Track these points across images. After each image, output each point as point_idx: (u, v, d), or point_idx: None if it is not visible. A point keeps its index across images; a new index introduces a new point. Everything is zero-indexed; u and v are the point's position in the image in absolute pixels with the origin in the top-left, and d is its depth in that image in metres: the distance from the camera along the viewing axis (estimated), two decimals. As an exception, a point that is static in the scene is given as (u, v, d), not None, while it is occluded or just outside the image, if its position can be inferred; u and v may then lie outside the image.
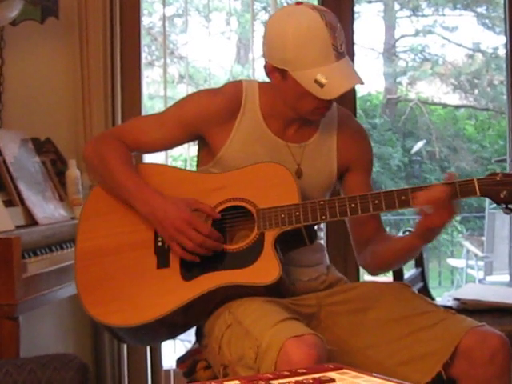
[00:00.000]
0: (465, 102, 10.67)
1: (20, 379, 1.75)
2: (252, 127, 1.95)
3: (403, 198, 1.79)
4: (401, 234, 2.69)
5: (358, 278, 3.15)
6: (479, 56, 10.49)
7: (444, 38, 10.37)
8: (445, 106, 10.60)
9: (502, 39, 4.63)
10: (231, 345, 1.74)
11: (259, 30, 9.05)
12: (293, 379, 1.18)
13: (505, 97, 3.94)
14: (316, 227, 1.95)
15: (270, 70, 1.88)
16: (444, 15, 10.37)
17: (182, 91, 7.93)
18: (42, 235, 2.42)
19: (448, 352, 1.75)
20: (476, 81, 10.46)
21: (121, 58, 3.03)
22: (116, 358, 3.07)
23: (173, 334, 2.02)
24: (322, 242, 2.18)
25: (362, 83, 1.83)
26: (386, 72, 10.59)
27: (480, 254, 7.31)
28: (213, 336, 1.83)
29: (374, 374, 1.20)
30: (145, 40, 3.88)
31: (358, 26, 9.59)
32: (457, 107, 10.66)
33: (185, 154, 4.92)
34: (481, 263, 7.34)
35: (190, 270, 1.84)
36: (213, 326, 1.84)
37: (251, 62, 3.76)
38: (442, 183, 1.78)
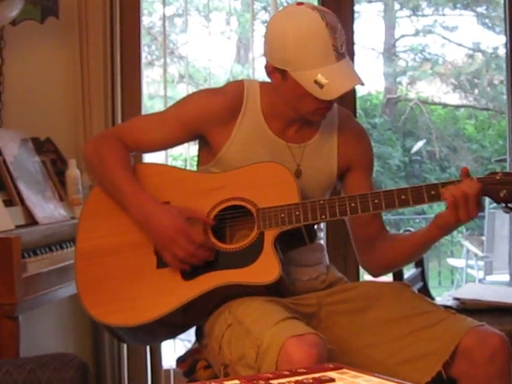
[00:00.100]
0: (465, 102, 10.67)
1: (20, 379, 1.75)
2: (253, 127, 1.95)
3: (403, 197, 1.79)
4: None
5: (357, 278, 3.15)
6: (479, 56, 10.49)
7: (444, 37, 10.37)
8: (445, 105, 10.60)
9: (502, 39, 4.63)
10: (232, 344, 1.74)
11: (259, 30, 9.07)
12: (292, 379, 1.18)
13: (505, 96, 3.94)
14: (316, 227, 1.95)
15: (270, 70, 1.88)
16: (444, 15, 10.37)
17: (182, 91, 7.93)
18: (42, 235, 2.43)
19: (448, 352, 1.75)
20: (476, 80, 10.46)
21: (121, 57, 3.03)
22: (116, 357, 3.07)
23: (173, 334, 2.02)
24: (322, 241, 2.17)
25: (362, 84, 1.83)
26: (386, 72, 10.59)
27: (480, 253, 7.30)
28: (213, 336, 1.83)
29: (374, 374, 1.20)
30: (145, 40, 3.88)
31: (357, 25, 9.57)
32: (457, 107, 10.66)
33: (185, 154, 4.92)
34: (481, 263, 7.33)
35: (190, 270, 1.84)
36: (213, 326, 1.84)
37: (251, 62, 3.76)
38: (474, 178, 1.77)
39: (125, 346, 3.04)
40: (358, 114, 3.74)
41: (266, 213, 1.84)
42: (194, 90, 2.08)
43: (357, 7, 8.29)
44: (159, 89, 7.32)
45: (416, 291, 2.07)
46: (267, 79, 1.94)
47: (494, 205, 2.09)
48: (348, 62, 1.84)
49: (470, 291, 2.76)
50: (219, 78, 8.27)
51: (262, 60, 1.91)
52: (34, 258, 2.29)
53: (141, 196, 1.86)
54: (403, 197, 1.79)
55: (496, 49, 10.02)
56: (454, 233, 8.92)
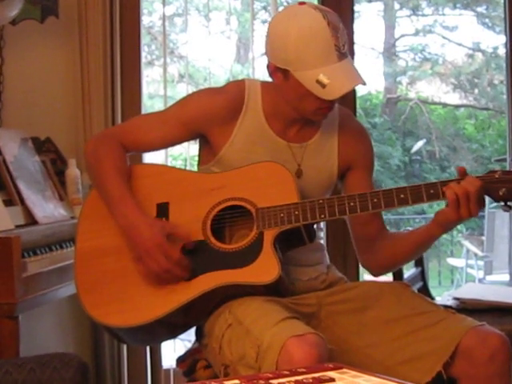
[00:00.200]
0: (465, 102, 10.67)
1: (20, 378, 1.75)
2: (254, 127, 1.95)
3: (402, 196, 1.79)
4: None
5: (357, 278, 3.15)
6: (479, 55, 10.49)
7: (444, 37, 10.37)
8: (445, 105, 10.61)
9: (502, 39, 4.63)
10: (232, 344, 1.74)
11: (259, 30, 9.07)
12: (292, 378, 1.18)
13: (505, 96, 3.94)
14: (315, 226, 1.95)
15: (272, 69, 1.88)
16: (444, 15, 10.37)
17: (181, 90, 7.93)
18: (42, 234, 2.42)
19: (448, 351, 1.74)
20: (476, 80, 10.46)
21: (121, 57, 3.03)
22: (116, 357, 3.06)
23: (173, 334, 2.02)
24: (322, 241, 2.17)
25: (364, 84, 1.83)
26: (386, 71, 10.59)
27: (480, 253, 7.30)
28: (213, 336, 1.83)
29: (374, 374, 1.20)
30: (145, 39, 3.88)
31: (357, 25, 9.58)
32: (457, 107, 10.66)
33: (185, 154, 4.93)
34: (481, 263, 7.33)
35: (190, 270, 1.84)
36: (213, 326, 1.84)
37: (251, 62, 3.76)
38: (475, 176, 1.77)
39: (125, 345, 3.04)
40: (358, 114, 3.74)
41: (266, 213, 1.84)
42: (194, 90, 2.08)
43: (357, 7, 8.28)
44: (159, 88, 7.32)
45: (416, 291, 2.07)
46: (267, 79, 1.94)
47: (494, 204, 2.09)
48: (350, 62, 1.84)
49: (470, 291, 2.76)
50: (219, 77, 8.28)
51: (262, 60, 1.91)
52: (34, 258, 2.29)
53: (128, 204, 1.86)
54: (402, 196, 1.78)
55: (496, 49, 10.02)
56: (454, 232, 8.94)
